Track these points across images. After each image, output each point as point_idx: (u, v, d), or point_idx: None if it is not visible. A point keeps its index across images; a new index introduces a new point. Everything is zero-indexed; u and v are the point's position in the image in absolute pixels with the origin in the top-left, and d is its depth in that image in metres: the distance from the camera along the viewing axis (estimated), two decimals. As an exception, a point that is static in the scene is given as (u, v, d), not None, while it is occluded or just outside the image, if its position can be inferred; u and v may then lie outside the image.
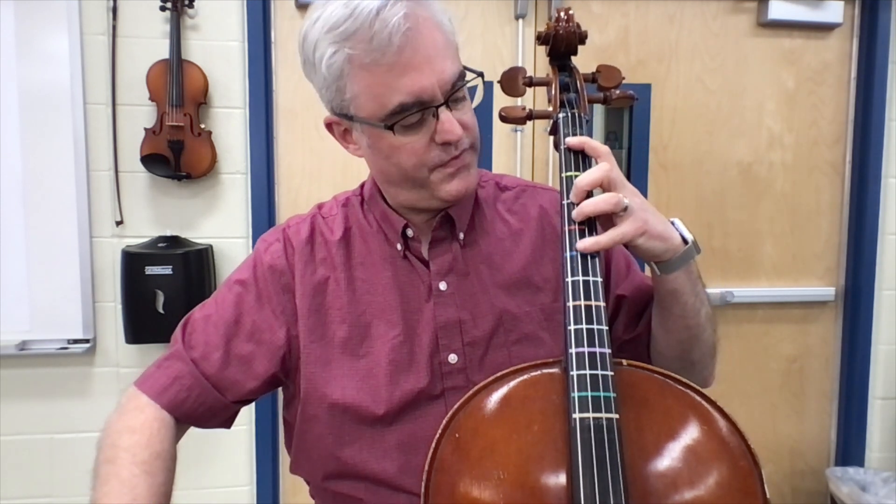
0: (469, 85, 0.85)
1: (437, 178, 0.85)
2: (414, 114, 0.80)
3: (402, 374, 0.89)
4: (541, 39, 0.93)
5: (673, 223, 0.84)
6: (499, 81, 0.93)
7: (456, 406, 0.73)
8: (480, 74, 0.85)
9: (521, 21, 2.17)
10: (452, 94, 0.81)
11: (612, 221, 0.78)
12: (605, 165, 0.79)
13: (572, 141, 0.84)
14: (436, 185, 0.86)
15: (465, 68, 0.84)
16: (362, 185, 1.00)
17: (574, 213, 0.78)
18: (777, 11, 2.21)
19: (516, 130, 2.20)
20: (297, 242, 0.94)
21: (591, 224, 0.79)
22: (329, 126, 0.90)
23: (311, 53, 0.82)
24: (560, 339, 0.91)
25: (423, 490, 0.69)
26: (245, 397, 0.92)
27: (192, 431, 0.92)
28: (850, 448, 2.40)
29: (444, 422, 0.72)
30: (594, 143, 0.82)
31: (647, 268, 0.89)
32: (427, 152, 0.83)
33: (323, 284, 0.92)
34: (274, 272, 0.92)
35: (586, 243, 0.76)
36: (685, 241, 0.82)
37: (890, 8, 2.25)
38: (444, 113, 0.81)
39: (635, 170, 2.25)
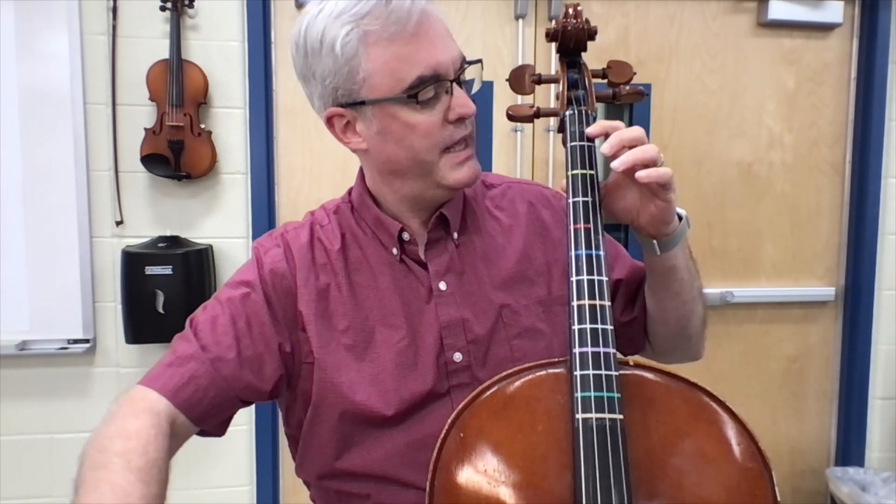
0: (468, 76, 0.87)
1: (445, 164, 0.86)
2: (430, 88, 0.81)
3: (409, 376, 0.88)
4: (549, 36, 0.93)
5: None
6: (507, 79, 0.93)
7: (461, 405, 0.73)
8: (479, 61, 0.88)
9: (521, 21, 2.17)
10: (462, 73, 0.84)
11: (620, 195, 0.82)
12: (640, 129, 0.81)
13: (592, 129, 0.83)
14: (444, 171, 0.86)
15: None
16: (349, 192, 1.00)
17: (619, 161, 0.78)
18: (777, 11, 2.22)
19: (516, 130, 2.20)
20: (297, 247, 0.93)
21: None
22: (330, 120, 0.88)
23: (316, 42, 0.82)
24: (559, 330, 0.92)
25: (427, 489, 0.69)
26: (255, 400, 0.91)
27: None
28: (850, 448, 2.41)
29: (450, 421, 0.72)
30: (616, 124, 0.82)
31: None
32: (440, 131, 0.84)
33: (325, 291, 0.91)
34: (275, 276, 0.91)
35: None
36: (679, 218, 0.86)
37: (890, 8, 2.25)
38: (457, 88, 0.83)
39: (635, 170, 2.25)
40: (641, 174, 0.77)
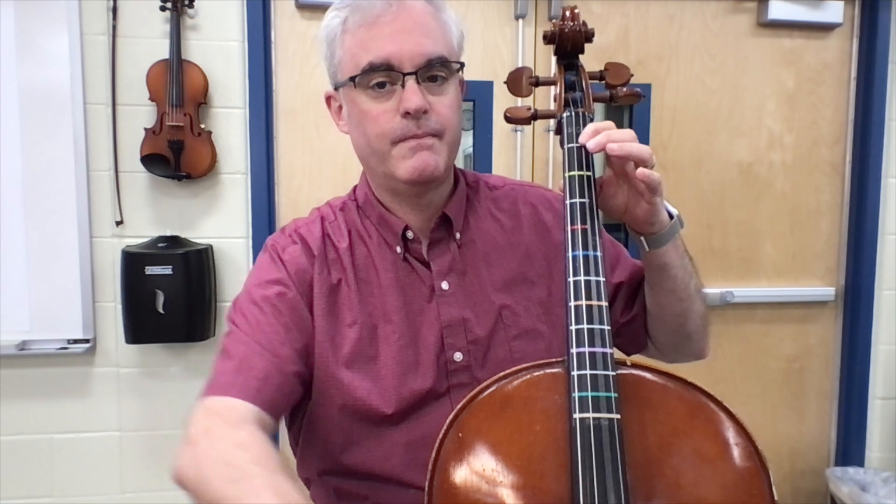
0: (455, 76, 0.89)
1: (397, 153, 0.87)
2: (380, 75, 0.85)
3: (409, 375, 0.89)
4: (547, 38, 0.93)
5: None
6: (505, 82, 0.94)
7: (460, 405, 0.73)
8: (461, 65, 0.90)
9: (521, 21, 2.17)
10: (427, 72, 0.85)
11: (612, 193, 0.84)
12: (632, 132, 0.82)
13: (583, 136, 0.82)
14: (395, 161, 0.87)
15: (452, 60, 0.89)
16: (354, 189, 1.01)
17: (617, 145, 0.79)
18: (777, 11, 2.22)
19: (516, 130, 2.20)
20: (312, 241, 0.94)
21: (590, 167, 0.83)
22: (328, 101, 0.96)
23: (321, 28, 0.91)
24: (559, 331, 0.92)
25: (426, 489, 0.69)
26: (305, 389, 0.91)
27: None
28: (850, 448, 2.41)
29: (448, 421, 0.72)
30: (607, 124, 0.83)
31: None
32: (389, 122, 0.86)
33: (336, 286, 0.92)
34: (298, 271, 0.92)
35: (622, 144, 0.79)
36: (670, 217, 0.87)
37: (890, 8, 2.25)
38: (409, 82, 0.84)
39: (635, 170, 2.25)
40: (639, 171, 0.78)
